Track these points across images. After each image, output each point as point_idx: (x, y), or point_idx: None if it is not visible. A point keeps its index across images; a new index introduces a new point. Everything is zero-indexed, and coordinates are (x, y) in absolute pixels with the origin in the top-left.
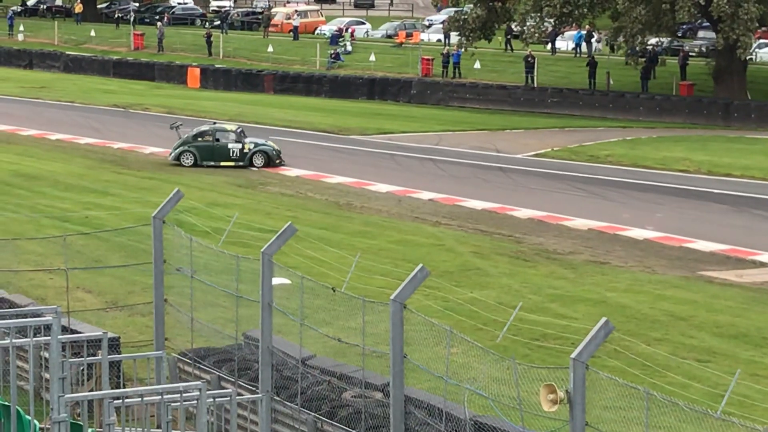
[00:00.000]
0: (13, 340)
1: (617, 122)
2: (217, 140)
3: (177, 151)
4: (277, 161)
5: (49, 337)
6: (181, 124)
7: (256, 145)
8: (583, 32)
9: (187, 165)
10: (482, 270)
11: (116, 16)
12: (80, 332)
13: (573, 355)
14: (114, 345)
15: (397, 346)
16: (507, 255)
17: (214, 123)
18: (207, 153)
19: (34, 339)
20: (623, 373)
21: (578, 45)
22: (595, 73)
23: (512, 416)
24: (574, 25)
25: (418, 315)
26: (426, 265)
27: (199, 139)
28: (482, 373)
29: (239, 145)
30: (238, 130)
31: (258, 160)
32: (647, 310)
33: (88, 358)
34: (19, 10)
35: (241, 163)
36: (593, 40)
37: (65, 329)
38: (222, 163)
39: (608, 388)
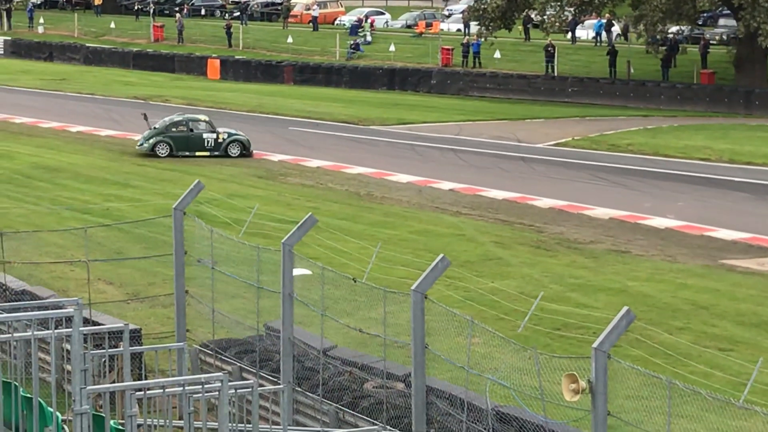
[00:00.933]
0: (35, 332)
1: (638, 111)
2: (191, 130)
3: (151, 141)
4: (250, 149)
5: (70, 329)
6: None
7: (230, 134)
8: (604, 21)
9: (162, 155)
10: (503, 260)
11: (136, 7)
12: (102, 324)
13: (595, 345)
14: (135, 336)
15: (419, 337)
16: (528, 244)
17: (184, 113)
18: (182, 143)
19: (56, 331)
20: (645, 363)
21: (598, 34)
22: (615, 62)
23: (534, 406)
24: (594, 14)
25: (439, 305)
26: (447, 255)
27: (174, 129)
28: (504, 363)
29: (213, 135)
30: (208, 120)
31: (234, 150)
32: (669, 299)
33: (109, 350)
34: (39, 2)
35: (216, 153)
36: (614, 28)
37: (87, 321)
38: (197, 153)
39: (630, 378)
